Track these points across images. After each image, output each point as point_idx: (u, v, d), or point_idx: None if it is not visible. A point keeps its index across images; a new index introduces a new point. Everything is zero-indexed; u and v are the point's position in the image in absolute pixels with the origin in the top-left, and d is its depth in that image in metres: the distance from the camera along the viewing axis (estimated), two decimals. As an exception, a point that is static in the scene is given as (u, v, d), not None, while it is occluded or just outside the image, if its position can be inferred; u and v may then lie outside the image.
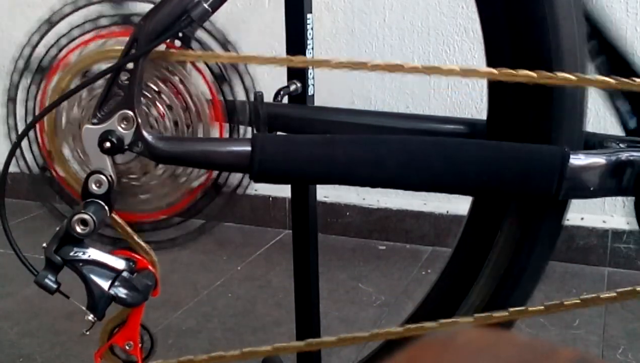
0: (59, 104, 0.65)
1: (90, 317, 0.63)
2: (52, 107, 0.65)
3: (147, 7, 0.64)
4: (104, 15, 0.66)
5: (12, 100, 0.69)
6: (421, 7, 1.69)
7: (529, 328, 1.30)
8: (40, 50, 0.68)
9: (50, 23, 0.67)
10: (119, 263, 0.64)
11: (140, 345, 0.68)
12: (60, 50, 0.67)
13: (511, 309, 0.62)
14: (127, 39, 0.64)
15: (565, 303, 0.60)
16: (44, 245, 0.64)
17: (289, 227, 1.88)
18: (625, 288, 0.59)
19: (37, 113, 0.68)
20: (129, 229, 0.66)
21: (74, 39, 0.67)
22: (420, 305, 0.75)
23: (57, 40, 0.67)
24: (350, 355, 1.24)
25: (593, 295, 0.60)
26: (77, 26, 0.66)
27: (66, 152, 0.68)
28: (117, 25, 0.66)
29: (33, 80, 0.68)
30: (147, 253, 0.67)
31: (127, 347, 0.68)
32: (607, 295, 0.60)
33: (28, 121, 0.69)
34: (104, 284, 0.63)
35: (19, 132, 0.69)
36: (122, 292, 0.64)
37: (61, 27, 0.67)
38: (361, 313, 1.40)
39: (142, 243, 0.67)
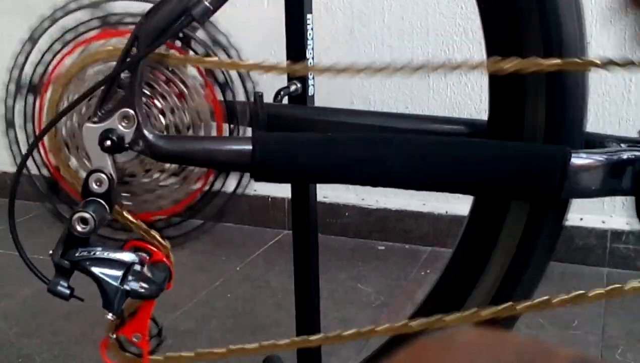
0: (62, 116, 0.65)
1: (109, 315, 0.63)
2: (57, 120, 0.65)
3: (128, 5, 0.64)
4: (82, 22, 0.66)
5: (10, 123, 0.69)
6: (420, 7, 1.69)
7: (528, 328, 1.30)
8: (28, 68, 0.68)
9: (32, 40, 0.67)
10: (127, 257, 0.64)
11: (148, 338, 0.67)
12: (47, 66, 0.67)
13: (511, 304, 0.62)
14: (107, 40, 0.64)
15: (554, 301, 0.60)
16: (50, 252, 0.64)
17: (288, 228, 1.88)
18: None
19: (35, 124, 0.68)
20: (138, 222, 0.66)
21: (57, 52, 0.67)
22: (420, 305, 0.75)
23: (42, 57, 0.67)
24: (350, 355, 1.24)
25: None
26: (58, 39, 0.66)
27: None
28: (96, 29, 0.66)
29: (27, 100, 0.68)
30: (161, 243, 0.66)
31: (134, 339, 0.67)
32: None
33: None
34: (116, 280, 0.63)
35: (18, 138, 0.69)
36: (136, 285, 0.63)
37: (43, 43, 0.67)
38: (360, 313, 1.40)
39: (154, 233, 0.66)
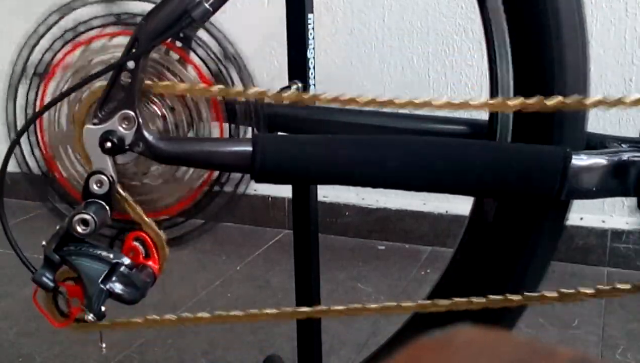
0: (57, 102, 0.65)
1: (90, 316, 0.62)
2: (51, 105, 0.65)
3: (143, 5, 0.64)
4: (97, 17, 0.66)
5: (11, 101, 0.69)
6: (420, 7, 1.69)
7: (528, 328, 1.30)
8: (36, 54, 0.68)
9: (46, 25, 0.67)
10: (114, 256, 0.63)
11: (84, 308, 0.64)
12: (55, 54, 0.67)
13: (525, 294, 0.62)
14: (122, 38, 0.64)
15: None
16: (44, 243, 0.64)
17: (288, 227, 1.88)
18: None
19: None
20: (135, 205, 0.65)
21: (68, 42, 0.67)
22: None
23: (52, 44, 0.67)
24: (349, 355, 1.24)
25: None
26: (71, 29, 0.66)
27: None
28: (110, 25, 0.66)
29: (31, 84, 0.68)
30: (153, 230, 0.65)
31: (72, 302, 0.64)
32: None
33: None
34: (97, 277, 0.62)
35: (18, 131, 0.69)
36: (118, 287, 0.62)
37: (55, 31, 0.67)
38: (361, 313, 1.40)
39: (150, 222, 0.65)
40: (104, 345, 0.66)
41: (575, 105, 0.57)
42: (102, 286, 0.62)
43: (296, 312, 0.74)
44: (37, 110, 0.68)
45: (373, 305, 0.65)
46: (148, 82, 0.63)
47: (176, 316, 0.69)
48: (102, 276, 0.62)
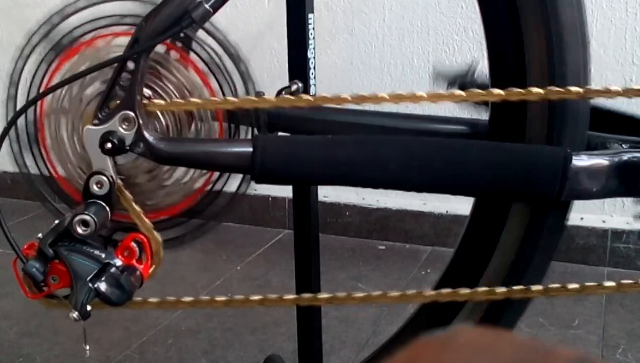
0: (56, 90, 0.64)
1: (75, 314, 0.61)
2: (48, 92, 0.65)
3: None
4: (134, 15, 0.65)
5: (14, 84, 0.68)
6: (421, 6, 1.69)
7: (529, 328, 1.30)
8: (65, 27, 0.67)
9: (75, 8, 0.66)
10: (106, 256, 0.63)
11: (60, 288, 0.64)
12: (84, 34, 0.66)
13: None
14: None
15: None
16: (39, 235, 0.64)
17: (288, 227, 1.88)
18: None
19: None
20: (132, 202, 0.65)
21: (100, 28, 0.66)
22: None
23: (85, 23, 0.66)
24: (349, 355, 1.24)
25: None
26: (109, 17, 0.66)
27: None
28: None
29: (45, 58, 0.67)
30: (154, 237, 0.65)
31: (51, 279, 0.64)
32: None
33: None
34: (87, 275, 0.62)
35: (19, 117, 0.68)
36: (105, 287, 0.62)
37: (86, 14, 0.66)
38: (360, 313, 1.40)
39: (148, 222, 0.65)
40: (87, 347, 0.66)
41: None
42: (90, 285, 0.62)
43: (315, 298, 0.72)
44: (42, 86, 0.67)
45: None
46: (154, 101, 0.63)
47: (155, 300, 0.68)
48: (92, 275, 0.62)
